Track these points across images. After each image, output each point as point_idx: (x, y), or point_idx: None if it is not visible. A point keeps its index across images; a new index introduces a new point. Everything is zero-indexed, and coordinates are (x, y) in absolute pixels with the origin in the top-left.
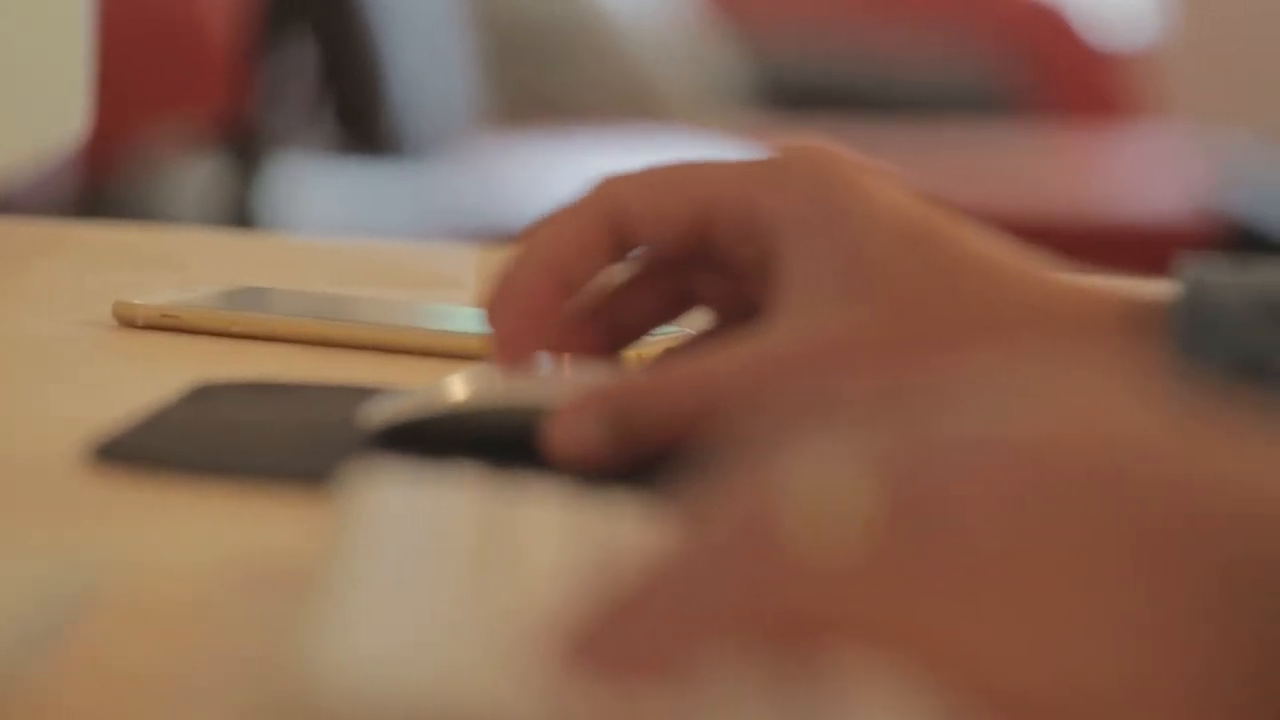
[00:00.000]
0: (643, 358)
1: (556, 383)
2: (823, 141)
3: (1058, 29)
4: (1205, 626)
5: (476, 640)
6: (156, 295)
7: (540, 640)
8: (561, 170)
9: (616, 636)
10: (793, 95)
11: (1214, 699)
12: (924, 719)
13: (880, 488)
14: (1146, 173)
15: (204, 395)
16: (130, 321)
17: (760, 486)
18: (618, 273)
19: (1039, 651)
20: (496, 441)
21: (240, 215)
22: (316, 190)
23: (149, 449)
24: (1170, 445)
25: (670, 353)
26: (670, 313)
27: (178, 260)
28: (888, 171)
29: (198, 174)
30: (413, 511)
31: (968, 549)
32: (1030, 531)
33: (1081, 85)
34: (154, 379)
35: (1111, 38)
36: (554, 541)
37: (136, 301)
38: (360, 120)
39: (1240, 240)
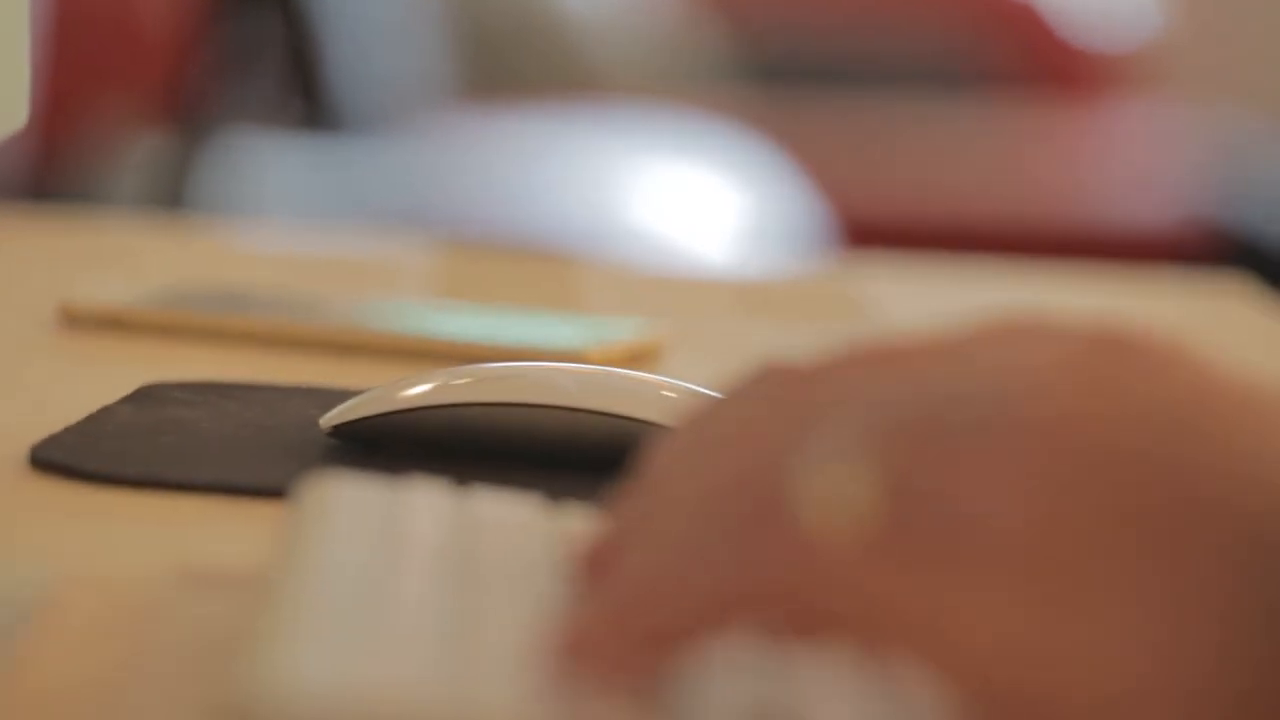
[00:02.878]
0: (607, 358)
1: (518, 379)
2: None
3: (1037, 13)
4: (1222, 615)
5: (430, 653)
6: (103, 294)
7: (506, 649)
8: (520, 149)
9: (620, 624)
10: (772, 71)
11: (1227, 692)
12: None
13: (890, 470)
14: (1133, 167)
15: (149, 397)
16: (75, 321)
17: (771, 467)
18: None
19: (1049, 641)
20: (452, 441)
21: (189, 195)
22: (266, 168)
23: (90, 455)
24: (1214, 427)
25: None
26: None
27: (124, 256)
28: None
29: (144, 153)
30: (366, 522)
31: (977, 533)
32: (1043, 516)
33: (1065, 69)
34: (99, 380)
35: (1097, 24)
36: (511, 553)
37: (82, 300)
38: (312, 97)
39: (1231, 248)
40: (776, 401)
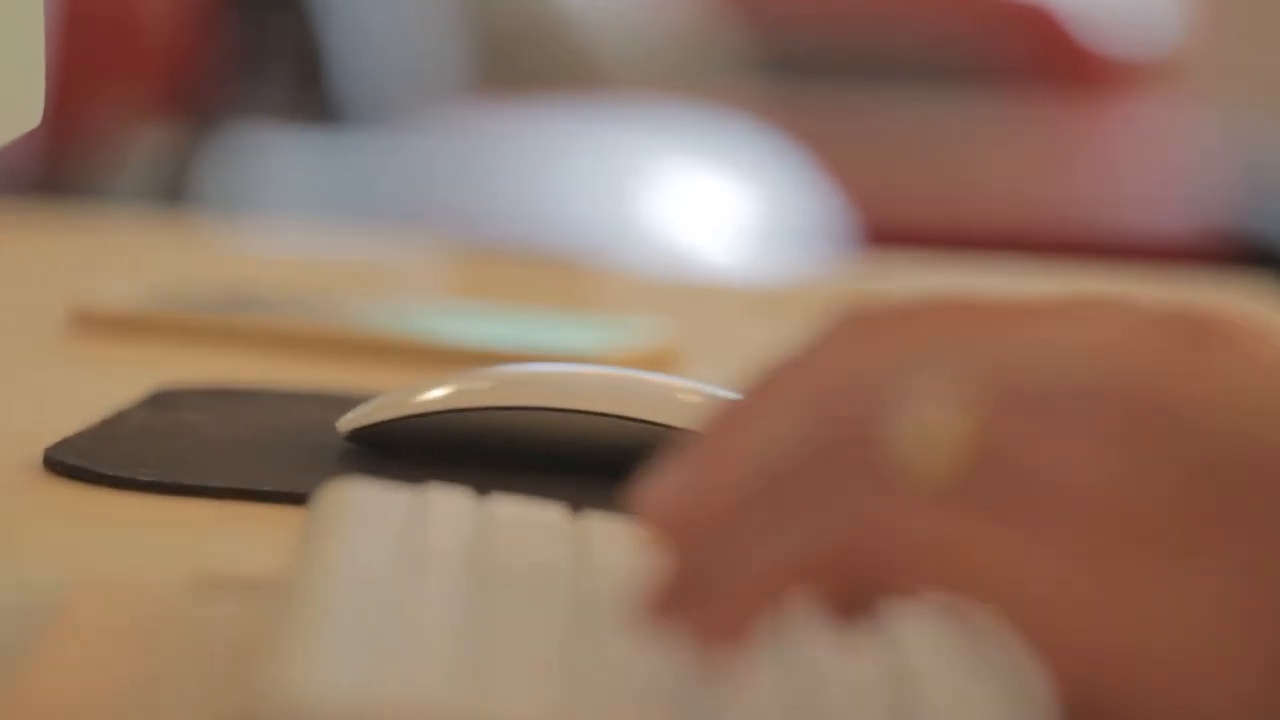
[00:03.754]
0: (626, 361)
1: (537, 382)
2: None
3: (1060, 16)
4: None
5: (449, 660)
6: (113, 295)
7: (526, 657)
8: (531, 145)
9: (717, 581)
10: (787, 67)
11: None
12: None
13: (982, 425)
14: (1154, 170)
15: (163, 400)
16: (86, 322)
17: (863, 402)
18: None
19: (1126, 603)
20: (470, 445)
21: (197, 190)
22: (274, 163)
23: (104, 459)
24: None
25: None
26: None
27: (134, 256)
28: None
29: (151, 148)
30: (384, 527)
31: (1062, 494)
32: (1126, 483)
33: (1087, 71)
34: (111, 383)
35: (1119, 27)
36: (531, 560)
37: (93, 302)
38: (320, 92)
39: (1249, 251)
40: (870, 344)
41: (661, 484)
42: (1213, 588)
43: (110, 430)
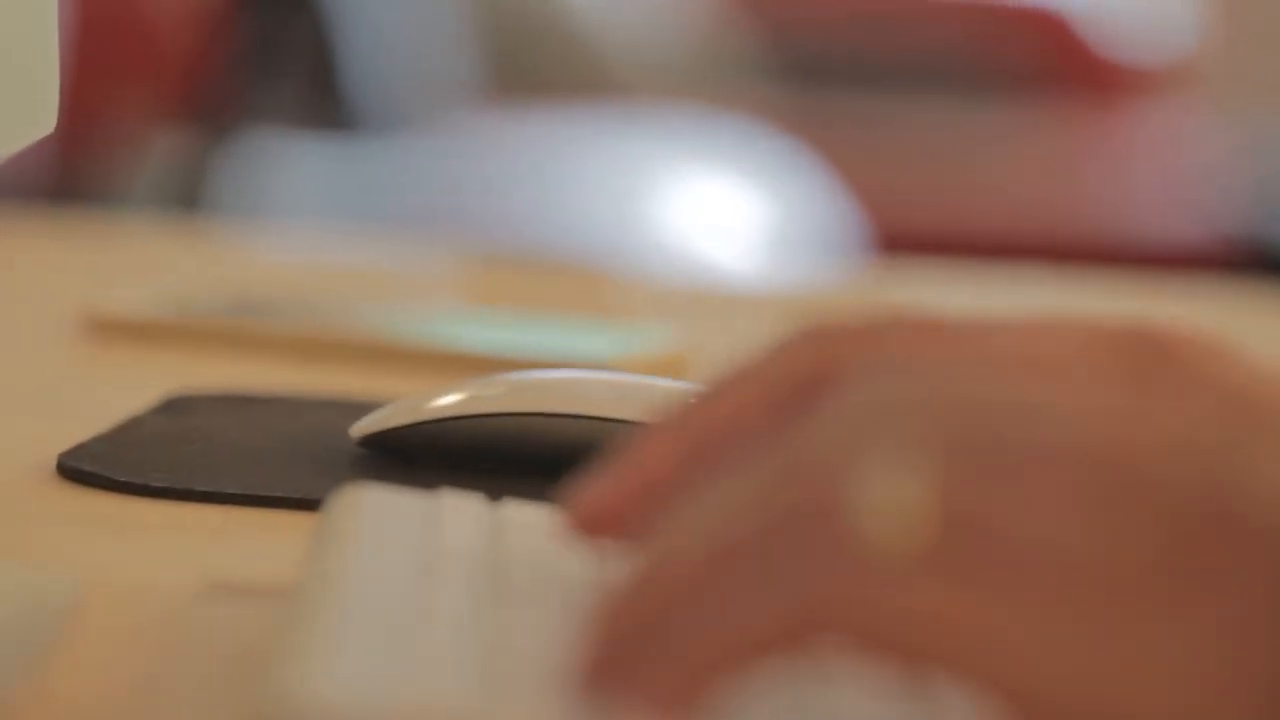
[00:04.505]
0: (627, 365)
1: (551, 389)
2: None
3: (1073, 22)
4: (1272, 647)
5: (461, 667)
6: (127, 301)
7: (538, 665)
8: (544, 150)
9: (666, 646)
10: (801, 73)
11: None
12: None
13: (946, 486)
14: (1166, 176)
15: (177, 407)
16: (100, 329)
17: (821, 469)
18: None
19: (1099, 665)
20: (483, 452)
21: (209, 195)
22: (287, 169)
23: (117, 465)
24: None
25: None
26: None
27: (148, 262)
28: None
29: (164, 153)
30: (397, 534)
31: (1031, 554)
32: (1095, 541)
33: (1099, 77)
34: (124, 389)
35: (1133, 33)
36: (544, 567)
37: (106, 308)
38: (333, 97)
39: (1262, 258)
40: (820, 359)
41: (592, 493)
42: (1194, 635)
43: (123, 436)
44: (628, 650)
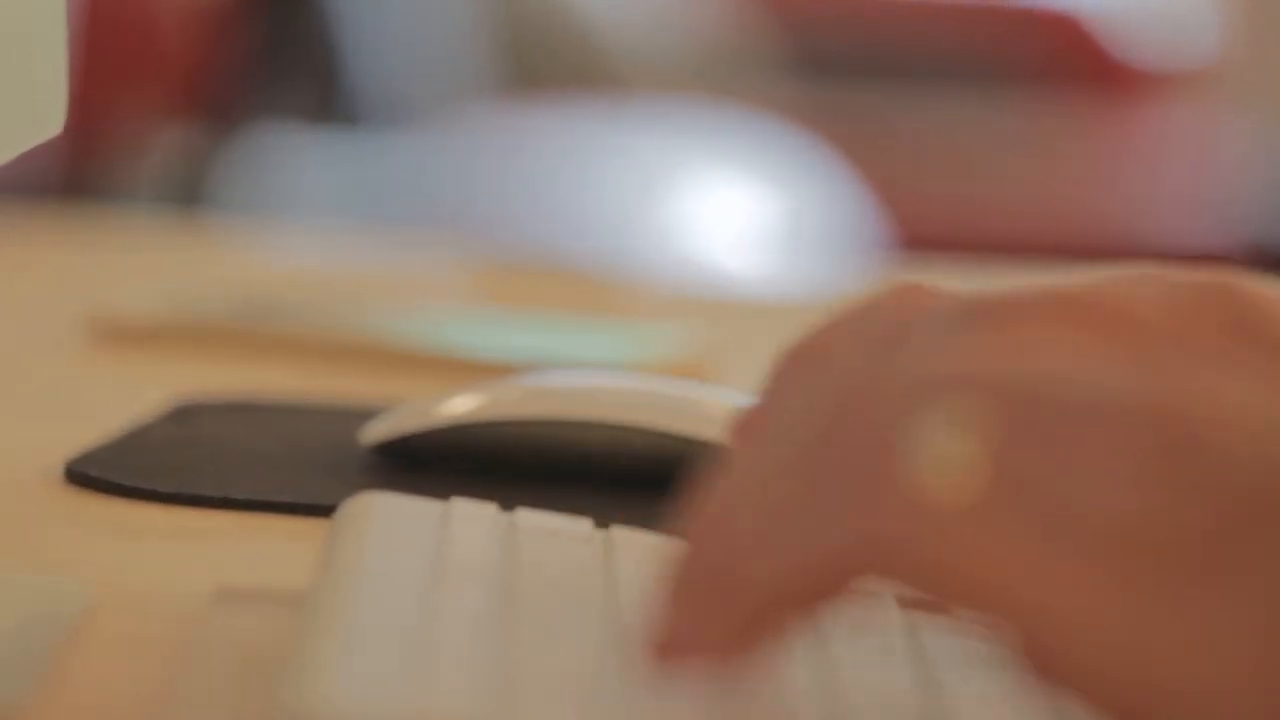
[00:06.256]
0: (647, 370)
1: (565, 394)
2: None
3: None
4: None
5: (474, 675)
6: (134, 305)
7: (552, 672)
8: (554, 146)
9: (725, 597)
10: (817, 69)
11: None
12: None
13: (1007, 439)
14: (1184, 179)
15: (186, 412)
16: (109, 332)
17: (885, 408)
18: None
19: (1148, 626)
20: (496, 457)
21: (216, 192)
22: (294, 165)
23: (126, 470)
24: None
25: None
26: None
27: (155, 263)
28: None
29: (170, 150)
30: (409, 541)
31: (1083, 514)
32: (1149, 505)
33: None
34: (132, 393)
35: (1152, 36)
36: (558, 574)
37: (113, 312)
38: (340, 93)
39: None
40: (891, 339)
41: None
42: (1241, 610)
43: (132, 442)
44: (694, 610)
